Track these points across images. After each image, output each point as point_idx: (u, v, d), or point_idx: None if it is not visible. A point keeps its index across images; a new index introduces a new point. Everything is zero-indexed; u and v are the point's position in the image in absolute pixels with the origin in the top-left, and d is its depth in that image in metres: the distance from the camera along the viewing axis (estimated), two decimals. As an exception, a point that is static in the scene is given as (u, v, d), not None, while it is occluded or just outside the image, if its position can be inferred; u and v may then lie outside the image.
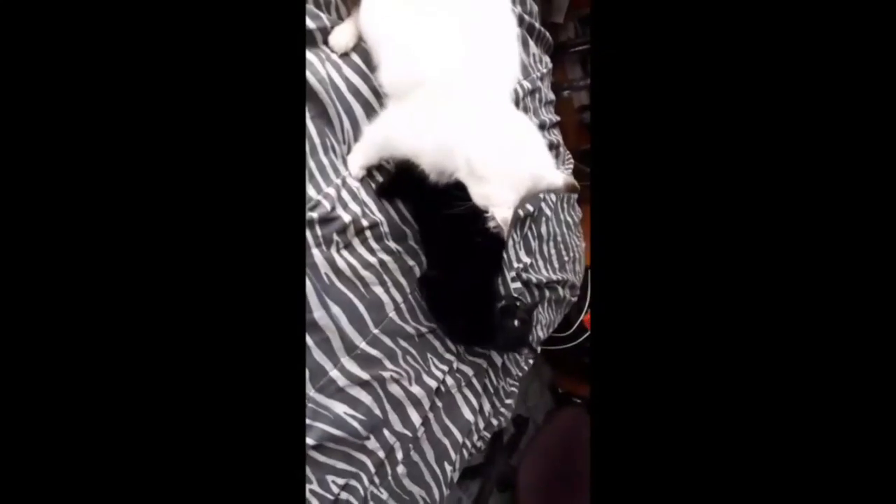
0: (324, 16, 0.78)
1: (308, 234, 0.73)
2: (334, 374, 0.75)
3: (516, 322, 0.89)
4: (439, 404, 0.93)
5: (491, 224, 0.61)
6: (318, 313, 0.73)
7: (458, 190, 0.65)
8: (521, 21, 1.09)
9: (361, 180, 0.81)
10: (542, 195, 1.18)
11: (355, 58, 0.80)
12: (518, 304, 0.95)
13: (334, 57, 0.78)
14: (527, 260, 1.13)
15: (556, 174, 0.65)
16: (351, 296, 0.78)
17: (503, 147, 0.63)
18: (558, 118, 1.26)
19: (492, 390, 1.06)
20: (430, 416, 0.91)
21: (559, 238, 1.27)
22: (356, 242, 0.79)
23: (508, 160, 0.62)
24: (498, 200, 0.61)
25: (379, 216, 0.82)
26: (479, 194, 0.62)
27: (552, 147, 1.22)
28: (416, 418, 0.87)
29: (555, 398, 2.06)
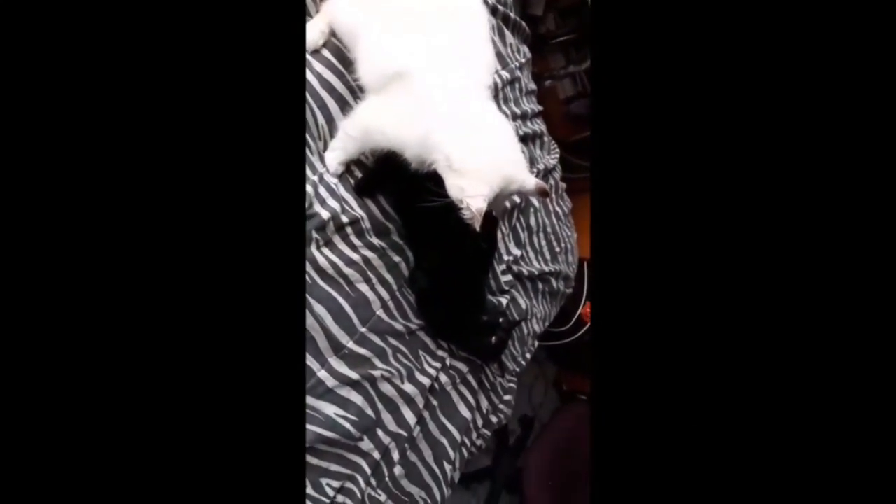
0: (291, 13, 0.78)
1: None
2: (322, 374, 0.73)
3: (493, 339, 0.91)
4: (434, 402, 0.91)
5: (465, 214, 0.63)
6: (301, 313, 0.71)
7: (434, 184, 0.66)
8: (495, 11, 1.08)
9: (340, 176, 0.79)
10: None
11: (326, 53, 0.79)
12: (501, 320, 0.94)
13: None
14: (517, 252, 1.11)
15: (528, 177, 0.69)
16: (335, 294, 0.76)
17: (480, 144, 0.66)
18: (541, 108, 1.25)
19: (488, 386, 1.04)
20: (426, 414, 0.89)
21: (549, 229, 1.26)
22: (337, 239, 0.77)
23: (484, 157, 0.65)
24: (472, 192, 0.63)
25: (359, 212, 0.80)
26: (455, 185, 0.65)
27: (536, 136, 1.21)
28: (410, 417, 0.85)
29: (560, 396, 2.03)
